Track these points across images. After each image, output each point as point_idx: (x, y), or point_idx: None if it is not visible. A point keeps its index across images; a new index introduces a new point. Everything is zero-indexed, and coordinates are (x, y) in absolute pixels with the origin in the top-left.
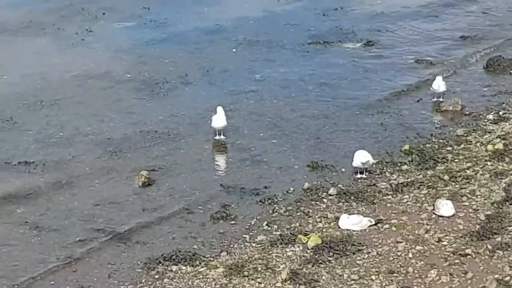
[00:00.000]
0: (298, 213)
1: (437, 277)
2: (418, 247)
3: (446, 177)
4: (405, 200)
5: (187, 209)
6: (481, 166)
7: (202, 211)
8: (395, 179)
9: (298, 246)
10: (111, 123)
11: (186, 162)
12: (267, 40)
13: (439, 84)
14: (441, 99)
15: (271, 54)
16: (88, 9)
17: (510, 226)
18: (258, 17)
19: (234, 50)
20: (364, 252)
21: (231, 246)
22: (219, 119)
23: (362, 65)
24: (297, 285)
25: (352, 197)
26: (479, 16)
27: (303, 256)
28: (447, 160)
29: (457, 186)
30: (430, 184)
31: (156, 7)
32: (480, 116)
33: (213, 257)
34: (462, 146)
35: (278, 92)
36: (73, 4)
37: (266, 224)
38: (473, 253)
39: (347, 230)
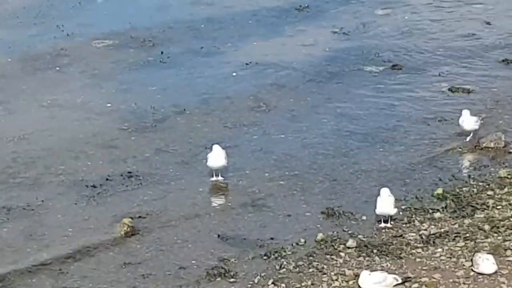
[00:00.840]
0: (310, 270)
1: None
2: None
3: (486, 227)
4: (437, 254)
5: (177, 263)
6: None
7: (195, 266)
8: (426, 229)
9: None
10: (88, 161)
11: (176, 207)
12: (274, 62)
13: (463, 120)
14: (472, 138)
15: (278, 79)
16: (62, 26)
17: None
18: (263, 36)
19: (234, 74)
20: None
21: None
22: (216, 157)
23: (386, 93)
24: None
25: (374, 251)
26: None
27: None
28: (488, 206)
29: (499, 237)
30: (467, 235)
31: (141, 22)
32: None
33: None
34: (506, 190)
35: (287, 124)
36: (44, 22)
37: (272, 283)
38: None
39: None
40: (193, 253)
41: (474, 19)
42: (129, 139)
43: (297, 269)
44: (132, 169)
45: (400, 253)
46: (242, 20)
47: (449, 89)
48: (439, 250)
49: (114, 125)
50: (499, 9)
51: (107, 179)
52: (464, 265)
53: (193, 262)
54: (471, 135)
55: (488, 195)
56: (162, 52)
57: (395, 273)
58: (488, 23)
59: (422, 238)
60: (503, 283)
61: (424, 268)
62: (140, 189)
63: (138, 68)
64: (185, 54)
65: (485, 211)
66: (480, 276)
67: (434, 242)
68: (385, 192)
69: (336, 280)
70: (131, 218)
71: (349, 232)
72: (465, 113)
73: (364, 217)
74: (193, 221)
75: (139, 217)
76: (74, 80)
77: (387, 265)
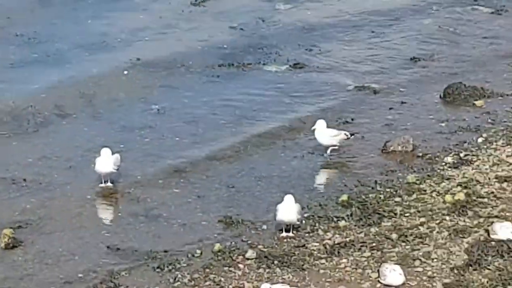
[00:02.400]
0: (207, 283)
1: None
2: None
3: (394, 236)
4: (342, 265)
5: (63, 277)
6: (437, 221)
7: (82, 280)
8: (330, 239)
9: None
10: None
11: (62, 217)
12: (167, 61)
13: (317, 132)
14: (328, 153)
15: (172, 79)
16: None
17: None
18: (156, 32)
19: (125, 73)
20: None
21: None
22: (104, 162)
23: (288, 93)
24: None
25: (275, 262)
26: (434, 33)
27: None
28: (396, 214)
29: (407, 247)
30: (374, 244)
31: (22, 16)
32: (437, 159)
33: None
34: (414, 196)
35: (182, 127)
36: None
37: None
38: None
39: None
40: (80, 266)
41: (381, 15)
42: (9, 144)
43: (193, 282)
44: (13, 176)
45: (303, 265)
46: (133, 14)
47: (355, 88)
48: (344, 260)
49: None
50: (407, 4)
51: None
52: (370, 277)
53: (80, 276)
54: (329, 150)
55: (395, 202)
56: (46, 49)
57: (297, 286)
58: (397, 19)
59: (326, 248)
60: None
61: (328, 280)
62: (22, 197)
63: (20, 66)
64: (71, 50)
65: (393, 219)
66: None
67: (338, 252)
68: (289, 199)
69: None
70: (12, 228)
71: (249, 242)
72: (320, 123)
73: (264, 226)
74: (80, 231)
75: (21, 227)
76: None
77: (289, 277)
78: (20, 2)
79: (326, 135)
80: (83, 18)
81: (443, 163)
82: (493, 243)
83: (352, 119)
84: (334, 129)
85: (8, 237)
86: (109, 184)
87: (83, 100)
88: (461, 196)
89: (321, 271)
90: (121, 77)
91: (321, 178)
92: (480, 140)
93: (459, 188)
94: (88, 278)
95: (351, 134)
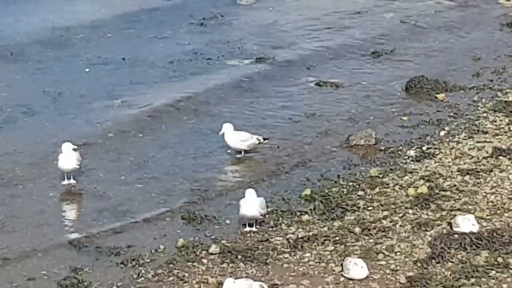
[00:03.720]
0: (171, 278)
1: None
2: None
3: (357, 230)
4: (306, 259)
5: (26, 274)
6: (400, 215)
7: (46, 277)
8: (293, 233)
9: None
10: None
11: (24, 214)
12: (129, 57)
13: (225, 135)
14: (242, 155)
15: (135, 75)
16: None
17: None
18: (118, 28)
19: (87, 70)
20: None
21: None
22: (67, 159)
23: (250, 87)
24: None
25: (239, 256)
26: (396, 26)
27: None
28: (359, 208)
29: (371, 240)
30: (337, 238)
31: None
32: (399, 152)
33: None
34: (377, 190)
35: (144, 123)
36: None
37: None
38: None
39: None
40: (43, 263)
41: (343, 9)
42: None
43: (157, 277)
44: None
45: (266, 259)
46: (94, 10)
47: (316, 84)
48: (308, 255)
49: None
50: None
51: None
52: (334, 271)
53: (43, 272)
54: (242, 153)
55: (358, 195)
56: (7, 45)
57: (261, 280)
58: (358, 13)
59: (289, 242)
60: None
61: (292, 274)
62: None
63: None
64: (32, 46)
65: (356, 212)
66: (350, 282)
67: (302, 246)
68: (250, 193)
69: None
70: None
71: (212, 237)
72: (226, 127)
73: (227, 221)
74: (43, 228)
75: None
76: None
77: (252, 272)
78: None
79: (235, 138)
80: (44, 14)
81: (406, 157)
82: (455, 236)
83: (312, 115)
84: (246, 133)
85: None
86: (72, 180)
87: (45, 97)
88: (423, 189)
89: (285, 265)
90: (82, 73)
91: (284, 172)
92: (442, 133)
93: (421, 181)
94: (51, 274)
95: (264, 139)
